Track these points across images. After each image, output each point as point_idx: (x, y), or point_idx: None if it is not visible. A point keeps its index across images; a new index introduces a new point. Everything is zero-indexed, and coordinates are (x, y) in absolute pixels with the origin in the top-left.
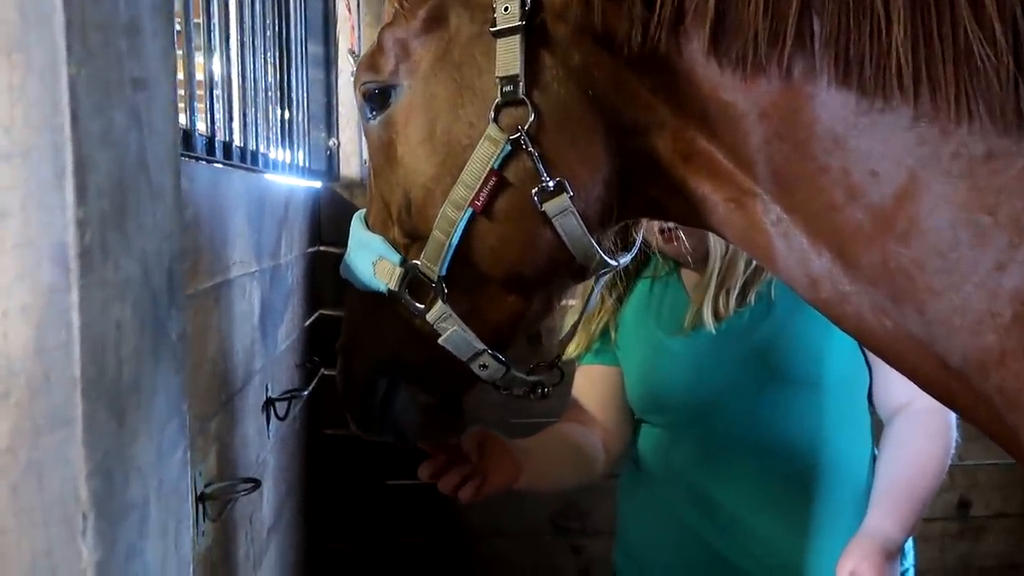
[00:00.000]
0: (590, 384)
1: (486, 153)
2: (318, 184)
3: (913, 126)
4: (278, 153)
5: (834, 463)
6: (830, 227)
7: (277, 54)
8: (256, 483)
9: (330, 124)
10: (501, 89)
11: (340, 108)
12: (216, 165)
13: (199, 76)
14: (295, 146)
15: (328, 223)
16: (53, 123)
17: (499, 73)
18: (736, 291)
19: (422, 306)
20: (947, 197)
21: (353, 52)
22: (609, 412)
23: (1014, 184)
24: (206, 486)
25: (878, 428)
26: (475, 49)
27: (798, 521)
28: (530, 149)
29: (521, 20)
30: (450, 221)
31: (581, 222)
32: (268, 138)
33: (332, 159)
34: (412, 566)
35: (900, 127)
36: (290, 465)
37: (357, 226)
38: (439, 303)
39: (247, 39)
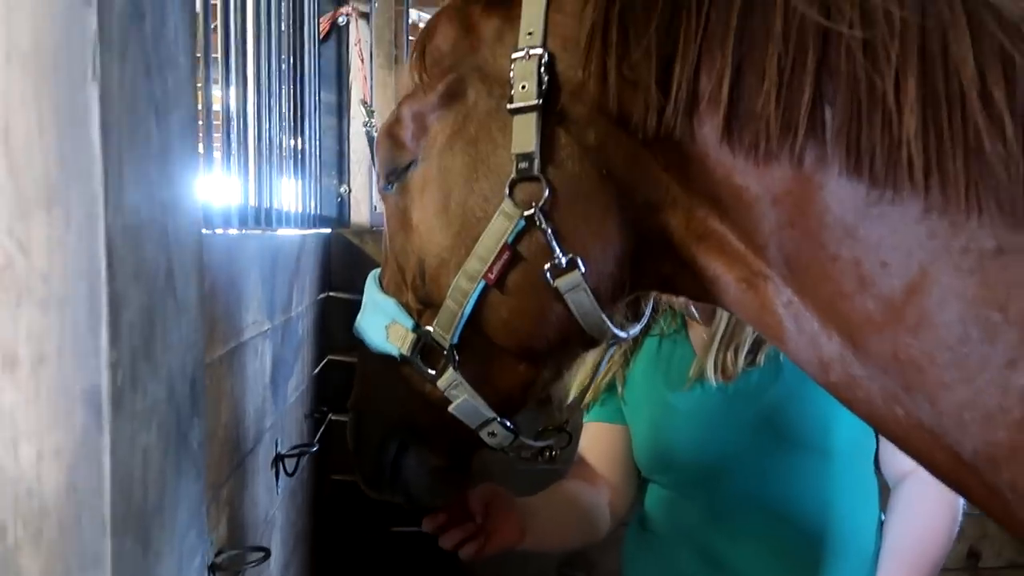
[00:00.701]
0: (597, 441)
1: (500, 227)
2: (328, 230)
3: (924, 218)
4: (291, 204)
5: (842, 528)
6: (841, 313)
7: (292, 107)
8: (266, 553)
9: (341, 171)
10: (516, 165)
11: (352, 155)
12: (232, 232)
13: (215, 142)
14: (308, 194)
15: (338, 269)
16: (90, 271)
17: (515, 149)
18: (745, 349)
19: (433, 372)
20: (957, 291)
21: (365, 103)
22: (615, 471)
23: None
24: (217, 554)
25: (884, 493)
26: (492, 124)
27: None
28: (543, 226)
29: (538, 99)
30: (463, 292)
31: (592, 298)
32: (282, 193)
33: (343, 205)
34: None
35: (911, 219)
36: (298, 517)
37: (372, 286)
38: (450, 370)
39: (263, 96)
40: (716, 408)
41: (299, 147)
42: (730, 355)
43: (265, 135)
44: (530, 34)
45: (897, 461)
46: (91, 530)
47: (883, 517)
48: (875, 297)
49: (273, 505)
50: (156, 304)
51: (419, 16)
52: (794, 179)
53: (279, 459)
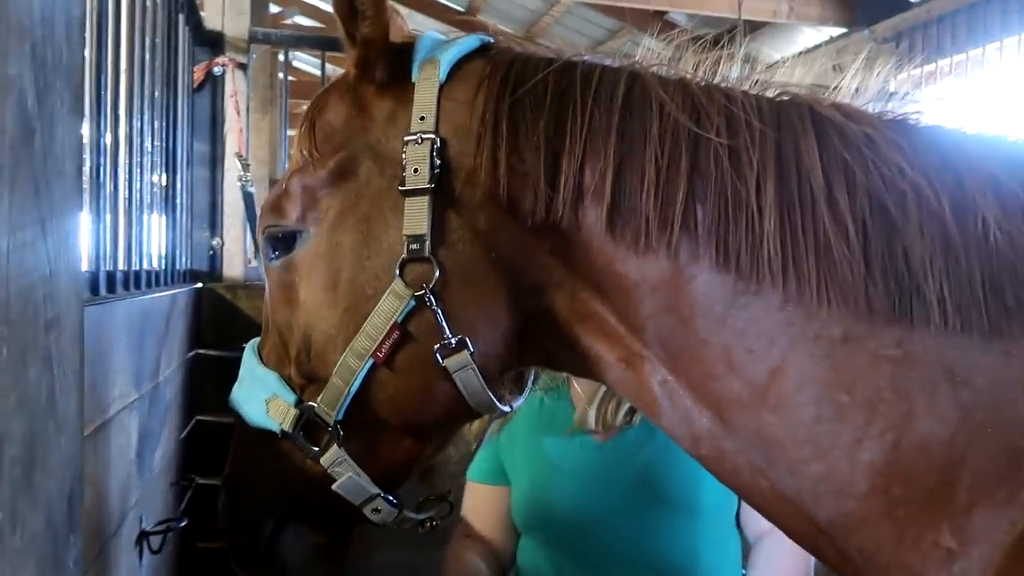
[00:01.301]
0: (480, 503)
1: (390, 307)
2: (199, 285)
3: (783, 309)
4: (160, 263)
5: None
6: (711, 393)
7: (163, 158)
8: None
9: (214, 224)
10: (408, 246)
11: (225, 207)
12: (100, 299)
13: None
14: (179, 248)
15: (208, 325)
16: None
17: (407, 231)
18: (626, 405)
19: (317, 449)
20: (812, 376)
21: (241, 156)
22: (500, 532)
23: (867, 367)
24: None
25: (745, 549)
26: (383, 204)
27: None
28: (434, 306)
29: (430, 183)
30: (350, 370)
31: (480, 377)
32: (152, 249)
33: (215, 258)
34: None
35: (772, 309)
36: None
37: (250, 357)
38: (334, 447)
39: (134, 151)
40: (594, 465)
41: (170, 198)
42: (611, 407)
43: (136, 190)
44: (422, 119)
45: (757, 520)
46: None
47: (744, 573)
48: (742, 379)
49: None
50: (37, 430)
51: (292, 55)
52: (670, 270)
53: (143, 536)
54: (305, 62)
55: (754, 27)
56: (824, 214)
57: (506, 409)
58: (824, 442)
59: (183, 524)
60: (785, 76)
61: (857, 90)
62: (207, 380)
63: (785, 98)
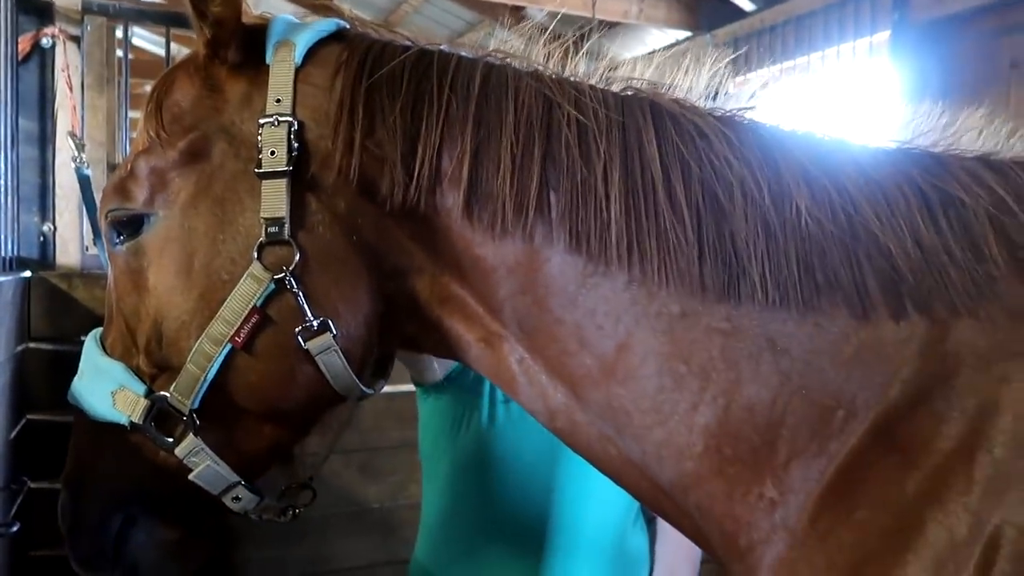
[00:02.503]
0: None
1: (248, 290)
2: (27, 274)
3: (627, 288)
4: None
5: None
6: (566, 369)
7: None
8: None
9: (44, 207)
10: (266, 229)
11: (57, 190)
12: None
13: None
14: (1, 234)
15: (40, 317)
16: None
17: (264, 214)
18: None
19: (170, 439)
20: (654, 348)
21: (74, 135)
22: None
23: (702, 339)
24: None
25: None
26: (239, 187)
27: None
28: (295, 289)
29: (288, 165)
30: (207, 356)
31: (343, 359)
32: None
33: (46, 245)
34: None
35: (618, 288)
36: None
37: (92, 349)
38: (190, 437)
39: None
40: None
41: None
42: None
43: None
44: (279, 101)
45: None
46: None
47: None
48: (593, 355)
49: None
50: None
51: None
52: (525, 253)
53: None
54: (147, 40)
55: (607, 26)
56: (663, 201)
57: (369, 392)
58: (665, 409)
59: (15, 530)
60: (628, 72)
61: (691, 88)
62: (39, 376)
63: (629, 92)
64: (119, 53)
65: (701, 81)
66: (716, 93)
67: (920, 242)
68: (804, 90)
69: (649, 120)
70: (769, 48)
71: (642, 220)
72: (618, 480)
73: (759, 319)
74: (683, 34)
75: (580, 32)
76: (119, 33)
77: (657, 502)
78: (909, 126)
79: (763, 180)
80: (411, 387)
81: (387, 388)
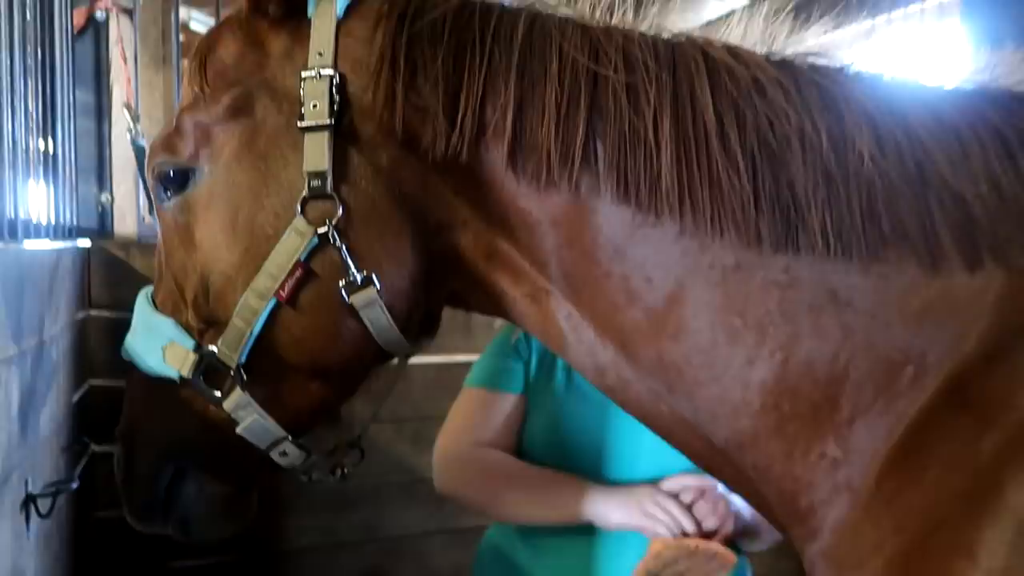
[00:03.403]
0: (494, 412)
1: (292, 245)
2: (87, 243)
3: (679, 240)
4: (41, 215)
5: None
6: (614, 324)
7: (40, 105)
8: None
9: (102, 178)
10: (309, 183)
11: (115, 162)
12: None
13: None
14: (61, 203)
15: (99, 286)
16: None
17: (307, 168)
18: None
19: (219, 393)
20: (707, 302)
21: (129, 106)
22: (509, 439)
23: (757, 292)
24: None
25: None
26: (282, 141)
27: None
28: (338, 243)
29: (330, 118)
30: (252, 310)
31: (387, 314)
32: (28, 201)
33: (105, 216)
34: None
35: (668, 240)
36: (55, 564)
37: (144, 306)
38: (237, 391)
39: (4, 92)
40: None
41: (50, 150)
42: None
43: (7, 136)
44: (320, 55)
45: None
46: None
47: None
48: (642, 309)
49: (23, 553)
50: None
51: (189, 15)
52: (571, 204)
53: (30, 500)
54: (203, 23)
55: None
56: (716, 149)
57: (415, 349)
58: (720, 364)
59: (75, 487)
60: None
61: (745, 36)
62: (100, 343)
63: (681, 39)
64: (173, 35)
65: (756, 33)
66: (773, 44)
67: (998, 187)
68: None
69: (702, 67)
70: (831, 12)
71: (694, 169)
72: (669, 439)
73: (819, 271)
74: (742, 3)
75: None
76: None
77: (712, 462)
78: (986, 71)
79: (823, 125)
80: (462, 358)
81: (439, 358)
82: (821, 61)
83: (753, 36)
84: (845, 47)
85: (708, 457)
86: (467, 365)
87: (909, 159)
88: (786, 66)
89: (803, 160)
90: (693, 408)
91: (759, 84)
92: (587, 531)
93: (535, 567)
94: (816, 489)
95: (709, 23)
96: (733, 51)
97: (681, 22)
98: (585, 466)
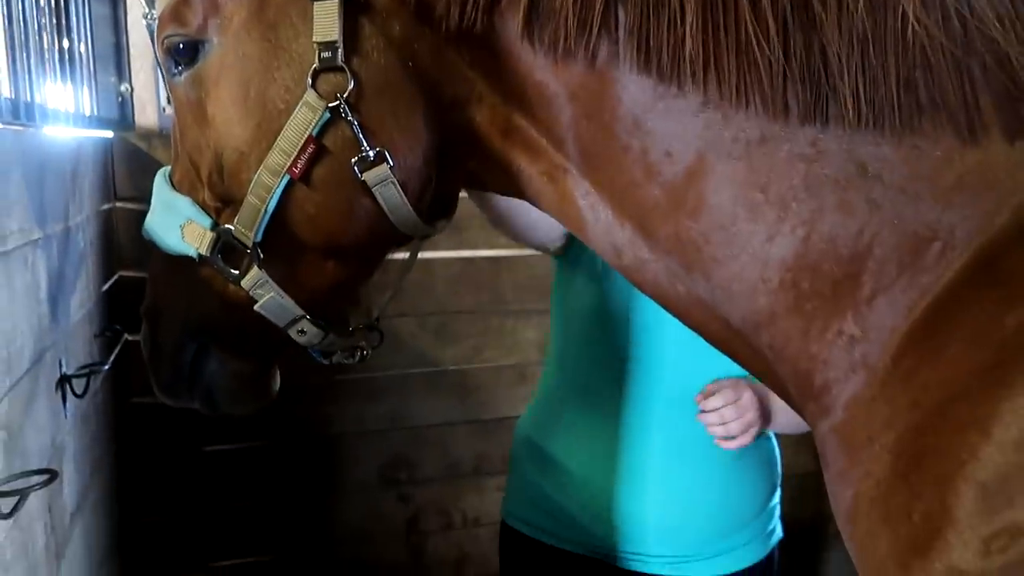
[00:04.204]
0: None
1: (304, 119)
2: (109, 134)
3: (701, 111)
4: (59, 102)
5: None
6: (632, 201)
7: None
8: (52, 474)
9: (120, 67)
10: (319, 54)
11: (132, 50)
12: None
13: None
14: (79, 92)
15: (123, 177)
16: None
17: (317, 38)
18: None
19: (236, 271)
20: (728, 176)
21: None
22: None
23: (782, 166)
24: None
25: None
26: (291, 10)
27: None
28: (350, 118)
29: None
30: (266, 187)
31: (401, 192)
32: (45, 86)
33: (125, 106)
34: (235, 532)
35: (690, 112)
36: (93, 444)
37: (161, 185)
38: (255, 269)
39: None
40: None
41: (65, 36)
42: None
43: (17, 17)
44: None
45: None
46: None
47: None
48: (661, 184)
49: (61, 431)
50: None
51: None
52: (589, 75)
53: (65, 380)
54: None
55: None
56: (746, 11)
57: (431, 230)
58: (738, 241)
59: (106, 368)
60: None
61: None
62: (127, 235)
63: None
64: None
65: None
66: None
67: None
68: None
69: None
70: None
71: (720, 34)
72: (686, 320)
73: (848, 142)
74: None
75: None
76: None
77: (727, 343)
78: None
79: None
80: (487, 252)
81: (462, 252)
82: None
83: None
84: None
85: (725, 339)
86: (490, 260)
87: (953, 18)
88: None
89: (838, 24)
90: (710, 287)
91: None
92: (614, 418)
93: (567, 454)
94: (832, 366)
95: None
96: None
97: None
98: (620, 341)
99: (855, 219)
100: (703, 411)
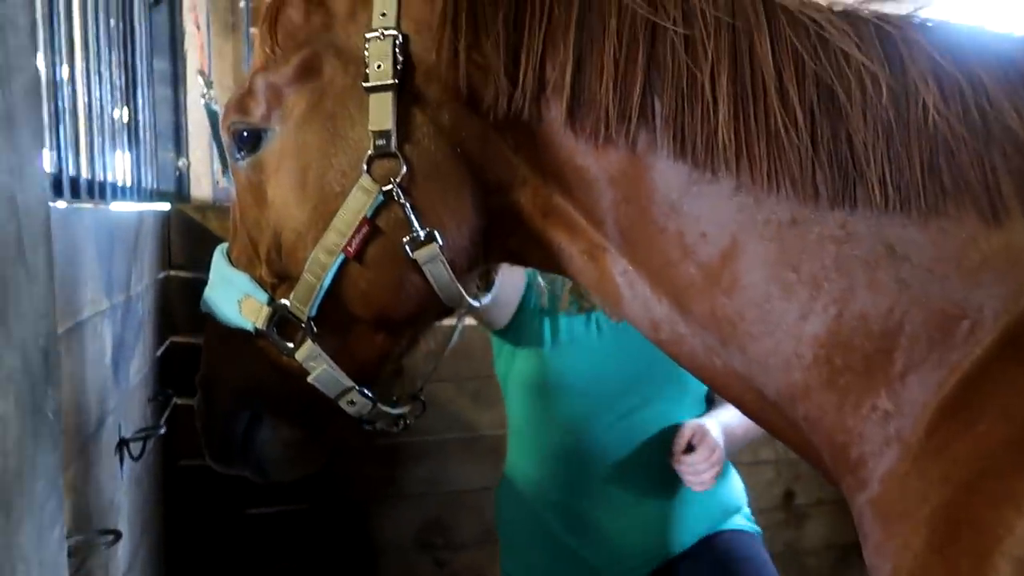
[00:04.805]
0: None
1: (359, 202)
2: (167, 206)
3: (734, 195)
4: (125, 178)
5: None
6: (668, 279)
7: (122, 73)
8: (116, 535)
9: (179, 144)
10: (374, 142)
11: (190, 127)
12: (62, 204)
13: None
14: (142, 168)
15: (178, 247)
16: None
17: (372, 127)
18: None
19: (291, 345)
20: (761, 256)
21: (203, 73)
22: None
23: (813, 247)
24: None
25: None
26: (348, 101)
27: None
28: (402, 200)
29: (394, 78)
30: (322, 265)
31: (449, 269)
32: (115, 164)
33: (182, 180)
34: None
35: (724, 195)
36: (144, 504)
37: (220, 261)
38: (308, 342)
39: (91, 61)
40: (607, 341)
41: (132, 117)
42: None
43: (95, 103)
44: (383, 15)
45: None
46: None
47: None
48: (697, 264)
49: (118, 491)
50: (7, 272)
51: None
52: (628, 161)
53: (123, 443)
54: None
55: None
56: (775, 103)
57: (475, 304)
58: (773, 318)
59: (162, 432)
60: None
61: None
62: (180, 302)
63: None
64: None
65: None
66: None
67: None
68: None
69: (761, 17)
70: None
71: (751, 124)
72: (723, 392)
73: (876, 225)
74: None
75: None
76: None
77: (763, 414)
78: None
79: (885, 75)
80: None
81: None
82: (885, 9)
83: None
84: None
85: (760, 410)
86: None
87: (973, 110)
88: (848, 15)
89: (863, 113)
90: (746, 361)
91: (820, 35)
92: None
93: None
94: (867, 440)
95: None
96: (793, 1)
97: None
98: (561, 413)
99: (885, 298)
100: (677, 462)
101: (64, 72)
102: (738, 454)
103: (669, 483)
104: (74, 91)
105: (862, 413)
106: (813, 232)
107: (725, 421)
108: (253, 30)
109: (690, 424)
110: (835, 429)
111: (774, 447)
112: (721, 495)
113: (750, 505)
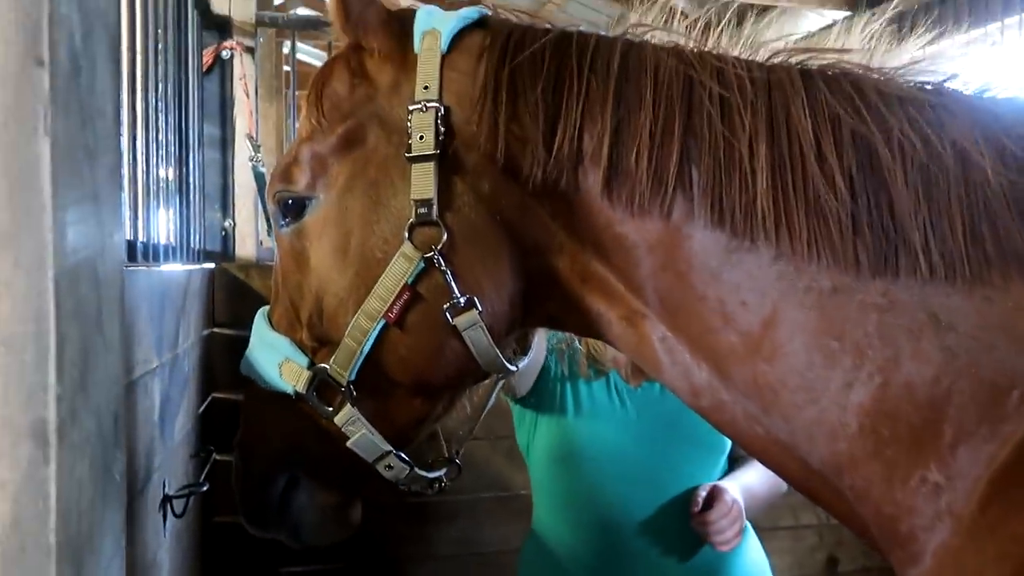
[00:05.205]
0: None
1: (400, 269)
2: (211, 265)
3: (774, 263)
4: (174, 239)
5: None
6: (708, 346)
7: (176, 140)
8: None
9: (226, 205)
10: (416, 210)
11: (236, 189)
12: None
13: None
14: (191, 228)
15: (222, 304)
16: (38, 312)
17: (414, 196)
18: None
19: (330, 409)
20: (802, 325)
21: (251, 137)
22: None
23: (855, 315)
24: None
25: None
26: (391, 170)
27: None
28: (443, 267)
29: (435, 149)
30: (363, 330)
31: (488, 335)
32: (166, 227)
33: (227, 240)
34: None
35: (764, 264)
36: (183, 560)
37: (261, 324)
38: (347, 407)
39: (150, 130)
40: (628, 408)
41: (183, 180)
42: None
43: (152, 169)
44: (426, 88)
45: None
46: (35, 558)
47: None
48: (737, 331)
49: (160, 548)
50: (88, 342)
51: (299, 47)
52: (666, 229)
53: (167, 500)
54: (310, 55)
55: (757, 10)
56: (814, 172)
57: (512, 368)
58: (816, 387)
59: (204, 489)
60: (776, 41)
61: (843, 48)
62: (222, 358)
63: (776, 59)
64: (287, 68)
65: (854, 44)
66: (872, 57)
67: None
68: (981, 62)
69: (799, 87)
70: (939, 21)
71: (790, 193)
72: (765, 460)
73: (920, 293)
74: (841, 14)
75: (728, 18)
76: (286, 49)
77: (807, 483)
78: None
79: (926, 142)
80: None
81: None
82: (922, 75)
83: (853, 49)
84: (947, 58)
85: (804, 479)
86: None
87: (1015, 176)
88: (887, 83)
89: (904, 181)
90: (789, 430)
91: (858, 102)
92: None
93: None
94: (918, 514)
95: (810, 34)
96: (831, 67)
97: (779, 36)
98: (588, 482)
99: (931, 367)
100: (697, 523)
101: (125, 142)
102: (779, 519)
103: (699, 547)
104: (134, 159)
105: (911, 485)
106: (855, 300)
107: (746, 483)
108: (297, 92)
109: (705, 484)
110: (883, 501)
111: (816, 512)
112: (746, 558)
113: (792, 571)
